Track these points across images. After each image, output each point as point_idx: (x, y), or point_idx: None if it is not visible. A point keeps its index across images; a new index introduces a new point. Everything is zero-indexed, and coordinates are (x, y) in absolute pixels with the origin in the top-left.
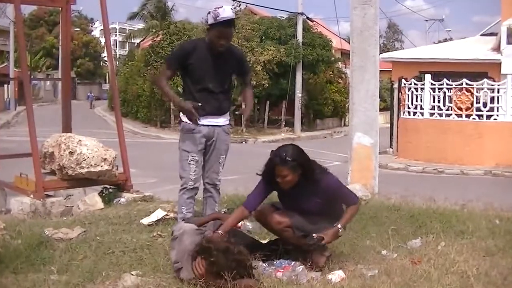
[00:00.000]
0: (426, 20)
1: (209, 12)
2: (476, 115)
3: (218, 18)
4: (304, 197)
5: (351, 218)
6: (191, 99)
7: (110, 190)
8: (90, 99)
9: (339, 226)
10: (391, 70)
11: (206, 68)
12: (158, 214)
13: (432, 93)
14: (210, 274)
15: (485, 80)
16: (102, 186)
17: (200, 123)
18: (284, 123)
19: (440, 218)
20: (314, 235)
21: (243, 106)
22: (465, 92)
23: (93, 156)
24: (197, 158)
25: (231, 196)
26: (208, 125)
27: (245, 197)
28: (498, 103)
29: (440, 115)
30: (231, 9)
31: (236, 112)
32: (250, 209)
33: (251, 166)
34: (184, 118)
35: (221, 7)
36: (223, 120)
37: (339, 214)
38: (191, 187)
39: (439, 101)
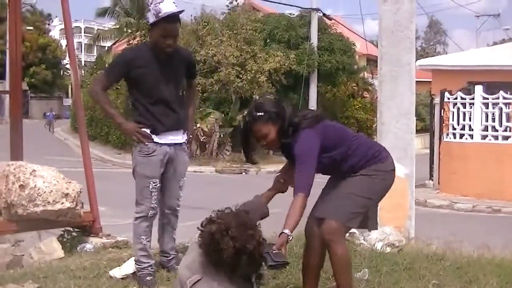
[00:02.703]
0: (477, 16)
1: (149, 10)
2: None
3: (160, 14)
4: None
5: (298, 216)
6: (146, 115)
7: (74, 234)
8: (48, 119)
9: (286, 231)
10: (431, 81)
11: (156, 75)
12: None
13: (484, 109)
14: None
15: None
16: (63, 229)
17: (160, 141)
18: None
19: (497, 271)
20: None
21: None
22: None
23: (51, 191)
24: (159, 184)
25: None
26: (170, 144)
27: None
28: None
29: (496, 137)
30: (173, 2)
31: None
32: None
33: None
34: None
35: (161, 1)
36: (182, 137)
37: (367, 154)
38: (151, 215)
39: (493, 120)
